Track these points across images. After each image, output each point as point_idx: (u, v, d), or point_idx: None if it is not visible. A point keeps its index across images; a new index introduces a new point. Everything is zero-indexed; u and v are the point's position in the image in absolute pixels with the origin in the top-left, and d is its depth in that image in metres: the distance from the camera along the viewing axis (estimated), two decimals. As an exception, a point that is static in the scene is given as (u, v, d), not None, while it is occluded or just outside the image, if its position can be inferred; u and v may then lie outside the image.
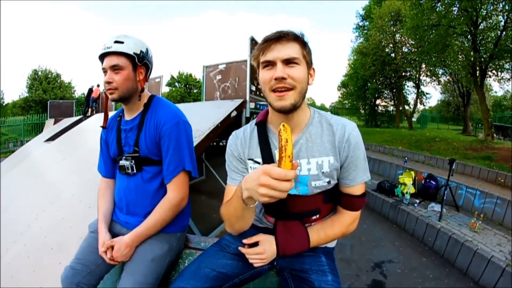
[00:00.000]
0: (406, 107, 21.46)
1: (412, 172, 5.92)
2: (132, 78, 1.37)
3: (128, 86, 1.36)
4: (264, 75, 0.99)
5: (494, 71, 12.16)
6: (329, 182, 1.07)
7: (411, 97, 22.28)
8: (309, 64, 1.02)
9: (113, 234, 1.41)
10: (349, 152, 1.04)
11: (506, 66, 11.32)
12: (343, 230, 1.10)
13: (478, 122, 20.78)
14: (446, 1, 9.85)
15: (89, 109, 14.00)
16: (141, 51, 1.38)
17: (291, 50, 0.96)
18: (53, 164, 5.44)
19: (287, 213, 1.10)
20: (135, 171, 1.40)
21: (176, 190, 1.37)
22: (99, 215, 1.46)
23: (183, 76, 35.56)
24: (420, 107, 23.28)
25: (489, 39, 10.64)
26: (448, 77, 19.22)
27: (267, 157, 1.09)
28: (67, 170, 4.66)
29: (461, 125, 21.41)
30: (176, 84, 35.40)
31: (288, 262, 1.15)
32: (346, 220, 1.10)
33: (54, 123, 13.10)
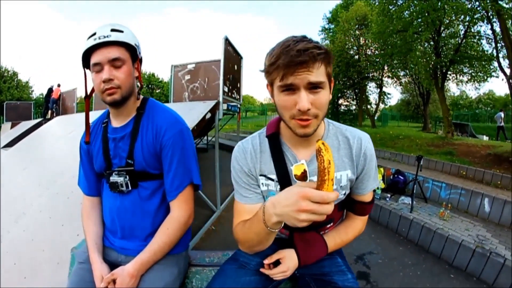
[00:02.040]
0: (368, 107, 22.44)
1: (381, 169, 6.25)
2: (132, 74, 1.16)
3: (130, 84, 1.16)
4: (284, 100, 0.87)
5: (453, 75, 13.33)
6: (344, 194, 1.08)
7: (373, 97, 23.36)
8: (330, 81, 0.91)
9: (109, 263, 1.18)
10: (365, 165, 1.04)
11: (465, 70, 12.40)
12: (355, 234, 1.15)
13: (436, 120, 22.24)
14: (414, 11, 10.49)
15: (49, 111, 13.03)
16: (138, 44, 1.19)
17: (317, 73, 0.83)
18: (13, 175, 4.84)
19: None
20: (130, 188, 1.19)
21: (182, 208, 1.19)
22: (88, 242, 1.22)
23: (145, 76, 34.19)
24: (381, 106, 24.49)
25: (450, 46, 11.67)
26: (408, 78, 20.39)
27: (282, 174, 1.03)
28: (30, 182, 4.18)
29: (420, 123, 22.86)
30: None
31: (308, 268, 1.14)
32: (358, 225, 1.15)
33: (11, 127, 12.13)
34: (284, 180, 1.02)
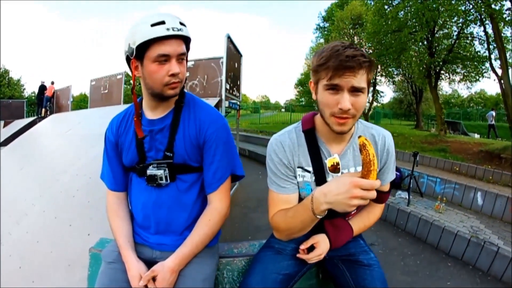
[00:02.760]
0: (362, 105, 22.72)
1: (376, 165, 6.43)
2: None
3: (185, 80, 1.14)
4: (328, 98, 0.97)
5: (447, 74, 13.65)
6: None
7: (366, 95, 23.59)
8: (370, 85, 1.01)
9: (143, 261, 1.14)
10: (387, 160, 1.16)
11: (458, 70, 12.72)
12: (376, 219, 1.28)
13: (428, 118, 22.63)
14: (409, 12, 10.72)
15: (43, 109, 12.67)
16: None
17: (361, 79, 0.93)
18: (11, 175, 4.77)
19: (332, 211, 1.11)
20: (168, 181, 1.16)
21: (222, 199, 1.19)
22: (120, 239, 1.17)
23: None
24: (374, 104, 24.77)
25: (444, 46, 11.99)
26: (401, 77, 20.70)
27: (318, 166, 1.12)
28: (29, 182, 4.10)
29: (413, 121, 23.21)
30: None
31: (336, 251, 1.23)
32: (377, 212, 1.28)
33: (4, 125, 12.00)
34: (319, 172, 1.12)
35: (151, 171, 1.14)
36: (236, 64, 5.81)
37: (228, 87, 5.21)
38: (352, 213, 1.25)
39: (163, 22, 1.01)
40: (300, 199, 1.17)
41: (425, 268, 3.37)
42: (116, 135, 1.24)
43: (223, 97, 4.98)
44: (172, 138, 1.15)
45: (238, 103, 6.21)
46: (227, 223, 4.55)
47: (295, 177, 1.16)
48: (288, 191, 1.15)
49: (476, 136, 14.04)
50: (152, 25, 1.00)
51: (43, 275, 2.29)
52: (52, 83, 13.13)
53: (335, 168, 1.08)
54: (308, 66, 25.35)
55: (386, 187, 1.25)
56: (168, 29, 1.00)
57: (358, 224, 1.24)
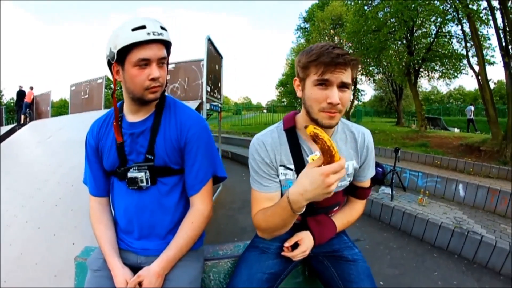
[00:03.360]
0: (344, 104, 23.05)
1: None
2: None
3: (165, 83, 1.14)
4: (317, 93, 1.00)
5: (425, 72, 14.03)
6: (349, 180, 1.24)
7: (347, 94, 23.96)
8: (353, 83, 1.07)
9: (128, 267, 1.13)
10: (367, 156, 1.21)
11: (437, 67, 13.10)
12: (358, 215, 1.32)
13: (409, 115, 23.12)
14: (388, 12, 10.93)
15: (22, 116, 12.19)
16: None
17: (348, 75, 0.99)
18: None
19: (314, 209, 1.20)
20: (149, 184, 1.15)
21: (205, 201, 1.19)
22: (104, 246, 1.15)
23: None
24: (355, 102, 25.18)
25: (423, 45, 12.32)
26: (382, 76, 21.09)
27: (300, 164, 1.14)
28: (10, 193, 3.93)
29: (394, 118, 23.65)
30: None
31: (320, 247, 1.25)
32: (360, 207, 1.32)
33: None
34: (301, 169, 1.11)
35: (131, 173, 1.13)
36: (216, 66, 5.77)
37: (209, 89, 5.18)
38: (335, 209, 1.29)
39: (144, 27, 1.01)
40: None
41: (411, 260, 3.41)
42: (97, 139, 1.22)
43: (204, 99, 4.94)
44: (152, 140, 1.14)
45: (220, 105, 6.18)
46: (213, 225, 4.51)
47: (277, 175, 1.17)
48: (271, 190, 1.16)
49: (456, 130, 14.41)
50: (133, 30, 1.00)
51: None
52: (31, 88, 12.65)
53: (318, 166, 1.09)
54: (289, 66, 25.51)
55: (367, 183, 1.28)
56: (148, 34, 1.01)
57: (341, 220, 1.26)
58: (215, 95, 5.65)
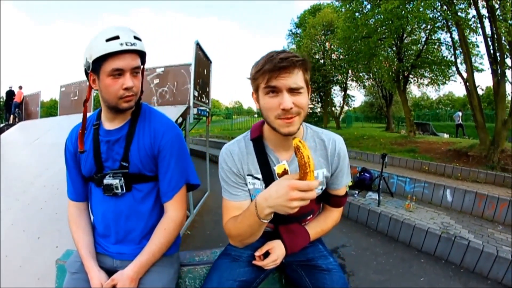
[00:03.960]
0: (333, 109, 23.15)
1: (348, 168, 6.49)
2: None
3: (139, 91, 1.17)
4: (269, 101, 0.98)
5: (415, 78, 14.25)
6: (321, 189, 1.22)
7: (337, 100, 24.17)
8: (308, 87, 1.03)
9: (105, 270, 1.17)
10: (339, 164, 1.17)
11: (426, 74, 13.32)
12: (334, 223, 1.30)
13: (399, 120, 23.38)
14: (379, 20, 11.04)
15: (11, 116, 12.07)
16: None
17: (297, 78, 0.96)
18: None
19: (286, 217, 1.13)
20: (124, 190, 1.18)
21: (177, 208, 1.21)
22: (82, 250, 1.19)
23: None
24: (345, 108, 25.37)
25: (412, 52, 12.51)
26: (372, 82, 21.29)
27: (267, 173, 1.14)
28: None
29: (384, 123, 23.88)
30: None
31: (294, 256, 1.25)
32: (335, 216, 1.29)
33: None
34: (269, 179, 1.13)
35: (107, 180, 1.17)
36: (205, 71, 5.73)
37: (196, 94, 5.14)
38: (308, 218, 1.27)
39: (117, 37, 1.03)
40: None
41: (398, 266, 3.35)
42: (75, 145, 1.24)
43: (191, 104, 4.89)
44: (127, 148, 1.17)
45: (208, 110, 6.14)
46: (199, 230, 4.43)
47: (246, 184, 1.18)
48: (239, 198, 1.16)
49: (445, 136, 14.58)
50: (107, 40, 1.03)
51: None
52: (20, 88, 12.43)
53: (285, 174, 1.05)
54: None
55: (342, 191, 1.25)
56: (121, 44, 1.03)
57: (315, 229, 1.25)
58: (203, 99, 5.60)
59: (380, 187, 5.20)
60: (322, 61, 20.81)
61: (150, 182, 1.22)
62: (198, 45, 5.07)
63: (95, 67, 1.07)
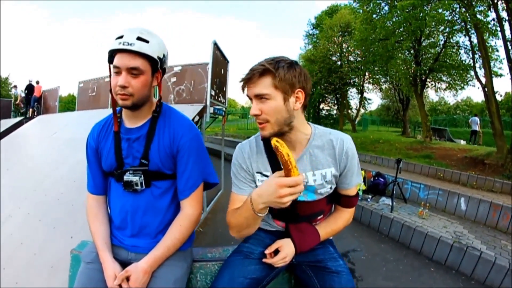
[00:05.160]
0: (349, 111, 22.96)
1: (362, 171, 6.45)
2: (149, 84, 1.19)
3: (144, 93, 1.18)
4: (251, 108, 1.12)
5: (432, 82, 13.95)
6: (331, 188, 1.24)
7: (353, 102, 23.98)
8: (287, 91, 1.06)
9: (119, 262, 1.21)
10: (347, 163, 1.20)
11: (443, 78, 13.02)
12: (344, 224, 1.32)
13: (415, 125, 23.00)
14: (397, 21, 10.89)
15: (30, 110, 12.46)
16: (164, 55, 1.20)
17: (261, 86, 1.05)
18: None
19: (297, 216, 1.25)
20: (144, 187, 1.22)
21: (194, 206, 1.25)
22: (98, 241, 1.23)
23: None
24: (361, 111, 25.11)
25: (430, 55, 12.29)
26: (389, 85, 21.02)
27: (276, 171, 1.17)
28: (14, 184, 4.04)
29: (400, 127, 23.56)
30: None
31: (304, 256, 1.29)
32: (346, 216, 1.32)
33: None
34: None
35: (127, 177, 1.21)
36: (222, 70, 5.79)
37: (213, 93, 5.21)
38: (319, 218, 1.31)
39: (121, 37, 1.10)
40: None
41: (407, 273, 3.34)
42: (97, 141, 1.30)
43: (208, 103, 4.96)
44: (147, 147, 1.22)
45: (224, 109, 6.20)
46: (211, 227, 4.49)
47: (254, 181, 1.25)
48: (245, 193, 1.22)
49: (462, 142, 14.25)
50: (116, 38, 1.10)
51: (27, 276, 2.36)
52: (37, 82, 12.80)
53: None
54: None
55: (353, 191, 1.28)
56: (120, 43, 1.09)
57: (325, 229, 1.28)
58: (219, 99, 5.67)
59: (394, 192, 5.17)
60: (339, 62, 20.69)
61: (168, 179, 1.26)
62: (215, 45, 5.13)
63: (110, 62, 1.15)
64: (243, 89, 1.11)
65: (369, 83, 21.01)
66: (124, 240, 1.26)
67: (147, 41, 1.11)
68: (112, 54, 1.12)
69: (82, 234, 2.26)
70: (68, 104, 26.59)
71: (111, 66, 1.13)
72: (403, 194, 5.62)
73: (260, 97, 1.06)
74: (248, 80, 1.07)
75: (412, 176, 7.04)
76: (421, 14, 9.68)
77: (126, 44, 1.08)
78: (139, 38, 1.10)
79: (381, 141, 11.83)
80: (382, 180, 6.01)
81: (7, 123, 10.44)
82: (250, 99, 1.11)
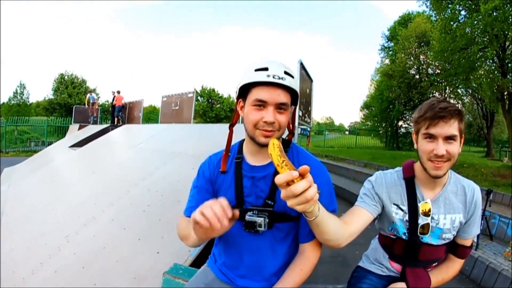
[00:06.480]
0: (428, 130, 21.37)
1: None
2: (289, 119, 1.16)
3: (285, 129, 1.13)
4: (426, 146, 1.13)
5: (522, 96, 12.10)
6: (453, 235, 1.26)
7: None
8: (462, 135, 1.15)
9: None
10: (474, 212, 1.23)
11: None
12: (454, 275, 1.31)
13: (500, 144, 20.47)
14: (477, 27, 9.91)
15: (115, 118, 13.58)
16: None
17: (453, 128, 1.09)
18: (82, 178, 5.05)
19: (417, 260, 1.27)
20: (266, 228, 1.15)
21: (315, 249, 1.18)
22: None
23: (206, 91, 36.40)
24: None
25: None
26: (470, 99, 19.11)
27: (413, 208, 1.24)
28: (99, 188, 4.23)
29: (482, 147, 21.18)
30: (199, 98, 35.48)
31: None
32: (457, 267, 1.31)
33: (79, 128, 13.10)
34: (413, 212, 1.24)
35: (250, 217, 1.14)
36: (307, 90, 5.76)
37: (300, 114, 5.14)
38: (433, 265, 1.31)
39: (266, 69, 1.05)
40: (394, 229, 1.29)
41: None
42: (213, 173, 1.27)
43: (296, 124, 4.86)
44: (274, 187, 1.14)
45: (309, 129, 6.12)
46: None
47: (383, 207, 1.28)
48: (364, 206, 1.25)
49: (561, 168, 12.28)
50: (256, 70, 1.05)
51: (106, 281, 2.35)
52: (118, 92, 13.88)
53: (426, 213, 1.21)
54: (375, 87, 25.42)
55: (468, 241, 1.28)
56: (268, 76, 1.03)
57: (437, 277, 1.28)
58: (305, 119, 5.61)
59: (481, 228, 4.66)
60: (417, 76, 19.59)
61: (292, 221, 1.19)
62: (301, 65, 5.12)
63: (243, 94, 1.11)
64: (425, 124, 1.13)
65: (449, 97, 19.34)
66: (236, 280, 1.23)
67: (292, 76, 1.08)
68: (249, 86, 1.08)
69: (170, 252, 2.31)
70: (149, 114, 28.92)
71: (252, 99, 1.07)
72: (489, 230, 5.05)
73: (448, 138, 1.10)
74: (441, 119, 1.09)
75: (500, 208, 6.28)
76: (505, 15, 8.55)
77: (277, 78, 1.03)
78: (286, 73, 1.06)
79: (466, 166, 10.60)
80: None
81: (94, 128, 11.75)
82: (431, 137, 1.12)
